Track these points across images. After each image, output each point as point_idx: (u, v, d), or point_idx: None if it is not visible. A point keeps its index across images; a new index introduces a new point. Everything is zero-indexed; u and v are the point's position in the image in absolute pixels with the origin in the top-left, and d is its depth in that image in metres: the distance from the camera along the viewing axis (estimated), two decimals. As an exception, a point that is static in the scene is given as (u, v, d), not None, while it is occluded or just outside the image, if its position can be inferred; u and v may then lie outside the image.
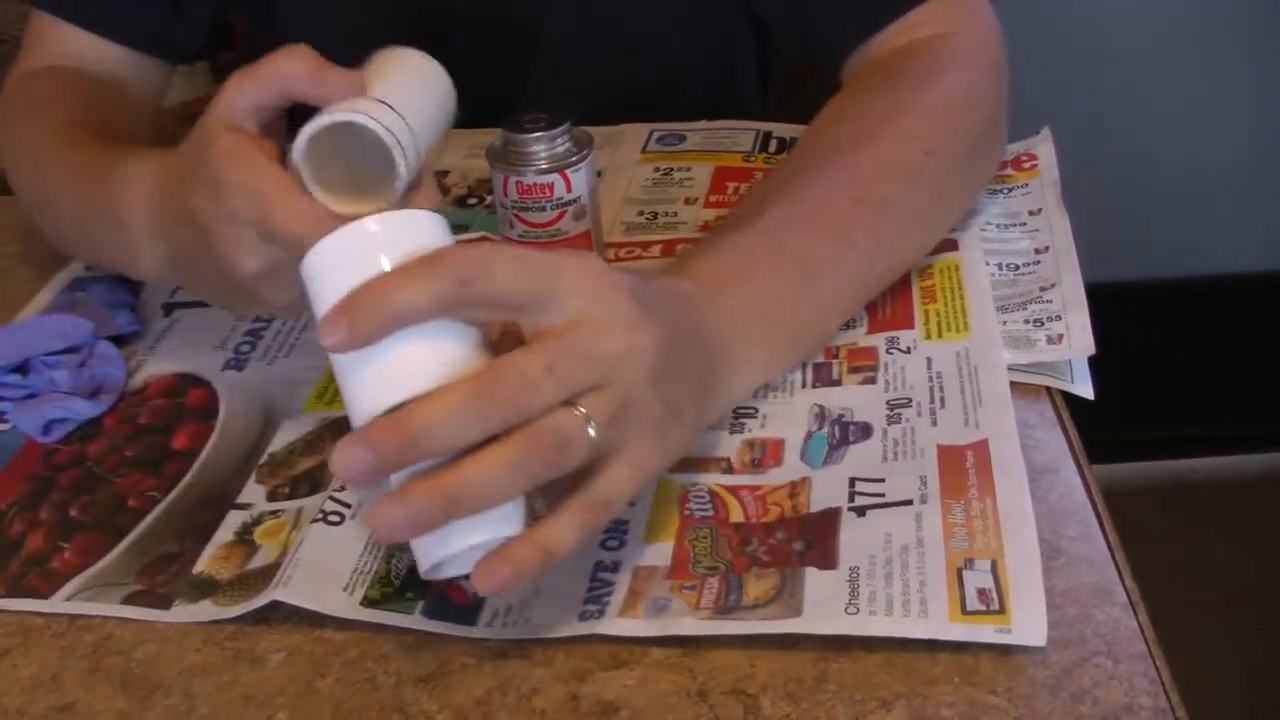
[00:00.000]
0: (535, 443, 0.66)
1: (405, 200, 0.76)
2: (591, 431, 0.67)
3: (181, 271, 0.89)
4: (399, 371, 0.67)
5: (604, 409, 0.68)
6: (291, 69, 0.77)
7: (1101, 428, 0.99)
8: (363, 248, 0.69)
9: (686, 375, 0.75)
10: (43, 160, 1.03)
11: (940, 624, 0.69)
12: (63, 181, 0.99)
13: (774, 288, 0.85)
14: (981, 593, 0.70)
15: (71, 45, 1.19)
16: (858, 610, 0.71)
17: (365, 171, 0.75)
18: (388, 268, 0.67)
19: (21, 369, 0.98)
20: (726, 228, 0.89)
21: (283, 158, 0.76)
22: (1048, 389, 0.87)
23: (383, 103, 0.76)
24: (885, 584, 0.72)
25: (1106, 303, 0.98)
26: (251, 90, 0.78)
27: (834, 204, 0.90)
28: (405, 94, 0.78)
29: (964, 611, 0.69)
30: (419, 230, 0.70)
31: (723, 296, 0.82)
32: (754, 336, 0.84)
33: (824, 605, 0.71)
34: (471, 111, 1.30)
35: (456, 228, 1.12)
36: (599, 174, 1.16)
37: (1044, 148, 1.13)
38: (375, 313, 0.65)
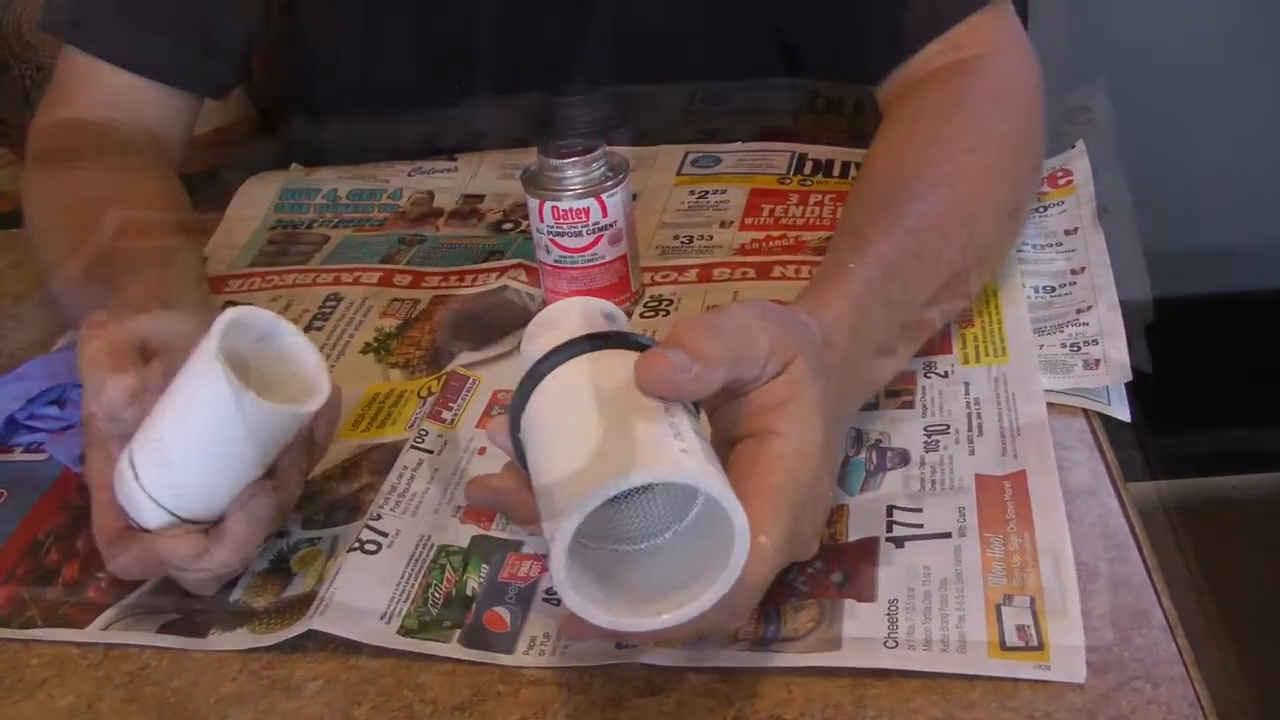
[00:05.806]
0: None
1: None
2: None
3: None
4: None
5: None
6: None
7: (1140, 445, 0.98)
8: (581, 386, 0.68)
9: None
10: (52, 246, 1.02)
11: (979, 660, 0.69)
12: (64, 283, 0.98)
13: (881, 343, 0.84)
14: (1020, 629, 0.70)
15: (104, 87, 1.19)
16: (896, 645, 0.70)
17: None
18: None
19: (59, 403, 0.99)
20: (843, 264, 0.86)
21: None
22: (1084, 410, 0.87)
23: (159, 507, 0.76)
24: (924, 619, 0.72)
25: (1145, 317, 0.97)
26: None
27: (947, 253, 0.89)
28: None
29: (1003, 648, 0.69)
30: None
31: (847, 348, 0.80)
32: (858, 390, 0.83)
33: (863, 639, 0.71)
34: (503, 133, 1.31)
35: (493, 254, 1.12)
36: (634, 197, 1.16)
37: (1079, 162, 1.12)
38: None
